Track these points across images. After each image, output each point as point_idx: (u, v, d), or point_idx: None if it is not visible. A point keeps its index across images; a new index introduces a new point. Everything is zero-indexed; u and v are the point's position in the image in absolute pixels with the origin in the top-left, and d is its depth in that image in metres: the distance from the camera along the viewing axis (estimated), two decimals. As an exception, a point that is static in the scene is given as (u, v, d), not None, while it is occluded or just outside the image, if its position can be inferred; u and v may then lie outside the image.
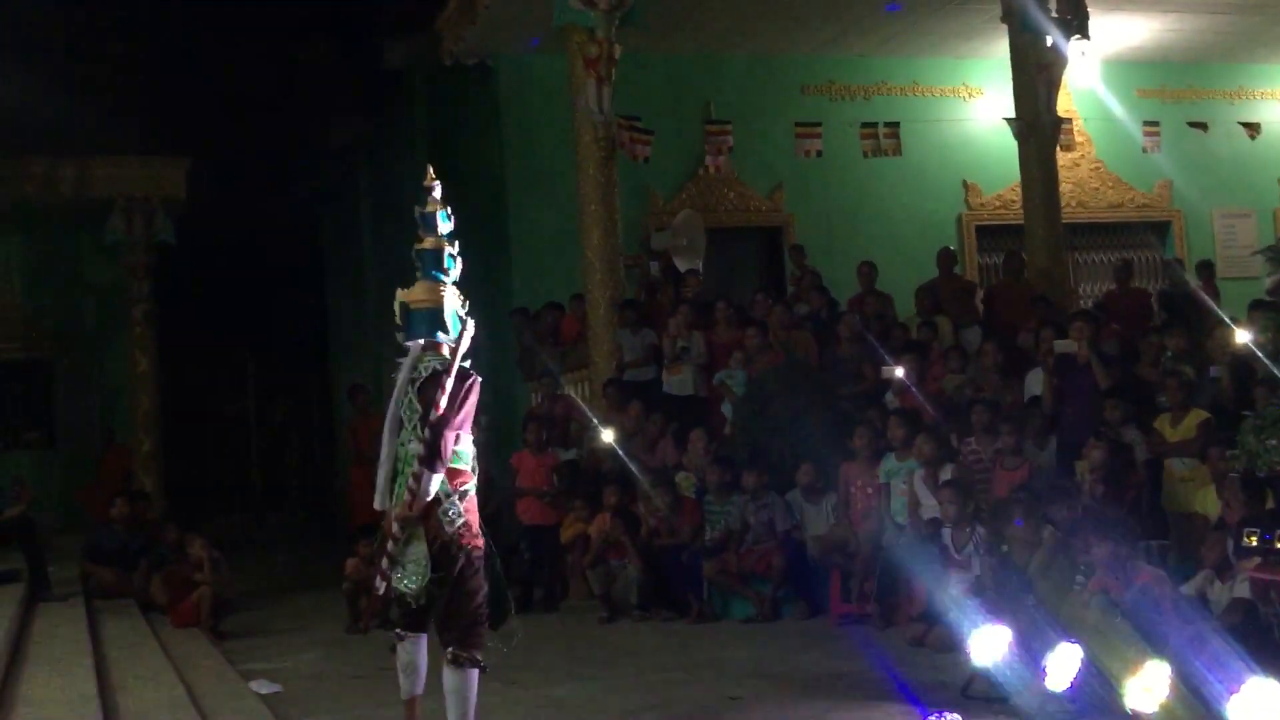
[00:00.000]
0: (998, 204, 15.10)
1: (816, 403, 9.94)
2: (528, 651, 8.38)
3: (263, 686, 7.42)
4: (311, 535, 19.27)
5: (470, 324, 5.28)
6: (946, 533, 7.99)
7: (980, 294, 12.95)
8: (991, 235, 15.14)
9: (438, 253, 5.36)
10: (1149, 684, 5.29)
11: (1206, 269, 12.95)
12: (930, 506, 8.47)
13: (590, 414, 10.83)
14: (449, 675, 5.14)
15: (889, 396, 9.95)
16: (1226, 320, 9.26)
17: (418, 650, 5.29)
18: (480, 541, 5.21)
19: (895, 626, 8.29)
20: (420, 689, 5.32)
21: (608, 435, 10.06)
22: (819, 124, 13.41)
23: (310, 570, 13.47)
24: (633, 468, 9.76)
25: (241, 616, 10.41)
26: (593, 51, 11.11)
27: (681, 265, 12.54)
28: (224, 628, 9.72)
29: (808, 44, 14.25)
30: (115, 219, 16.41)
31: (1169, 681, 5.29)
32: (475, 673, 5.15)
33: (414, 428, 5.10)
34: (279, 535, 20.30)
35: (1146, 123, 14.16)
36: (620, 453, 9.97)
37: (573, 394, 11.56)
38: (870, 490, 9.08)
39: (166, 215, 16.59)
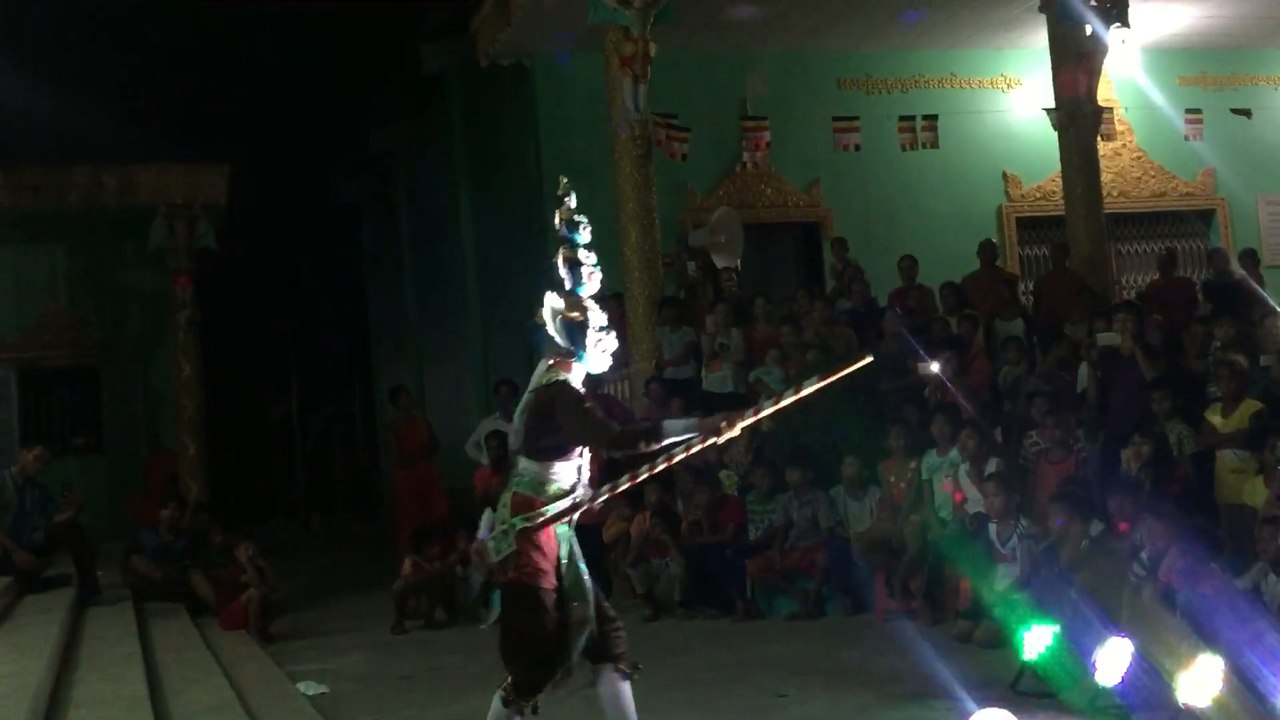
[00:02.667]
0: (1038, 195, 14.99)
1: (858, 398, 9.89)
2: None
3: (310, 688, 7.47)
4: (356, 537, 19.38)
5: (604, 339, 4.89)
6: (992, 527, 7.93)
7: (1023, 286, 12.84)
8: (1032, 227, 15.03)
9: (574, 263, 4.95)
10: (1202, 678, 5.23)
11: (1250, 257, 12.77)
12: (976, 501, 8.41)
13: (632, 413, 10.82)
14: (495, 703, 4.83)
15: (927, 392, 9.90)
16: (1277, 309, 9.12)
17: (610, 685, 4.84)
18: (539, 580, 4.73)
19: (941, 623, 8.24)
20: None
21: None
22: (856, 118, 13.35)
23: (356, 572, 13.55)
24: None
25: (288, 619, 10.47)
26: (628, 50, 11.10)
27: (719, 262, 12.51)
28: (272, 630, 9.79)
29: (843, 38, 14.18)
30: (158, 226, 16.61)
31: (1222, 675, 5.22)
32: (512, 713, 4.77)
33: (519, 448, 4.85)
34: (324, 537, 20.43)
35: (1188, 110, 14.00)
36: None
37: (614, 393, 11.55)
38: (904, 485, 9.04)
39: (208, 221, 16.76)
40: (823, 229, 14.47)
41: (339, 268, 23.67)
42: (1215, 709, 5.22)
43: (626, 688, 4.84)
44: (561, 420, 4.68)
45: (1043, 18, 12.18)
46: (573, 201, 5.08)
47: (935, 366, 9.53)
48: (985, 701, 5.67)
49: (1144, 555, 6.95)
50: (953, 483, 8.68)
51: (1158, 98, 14.45)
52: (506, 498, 4.81)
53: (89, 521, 11.29)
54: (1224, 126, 14.30)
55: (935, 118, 13.40)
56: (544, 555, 4.77)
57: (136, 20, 18.15)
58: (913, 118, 13.46)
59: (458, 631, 9.55)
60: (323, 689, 7.48)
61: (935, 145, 13.41)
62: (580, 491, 4.84)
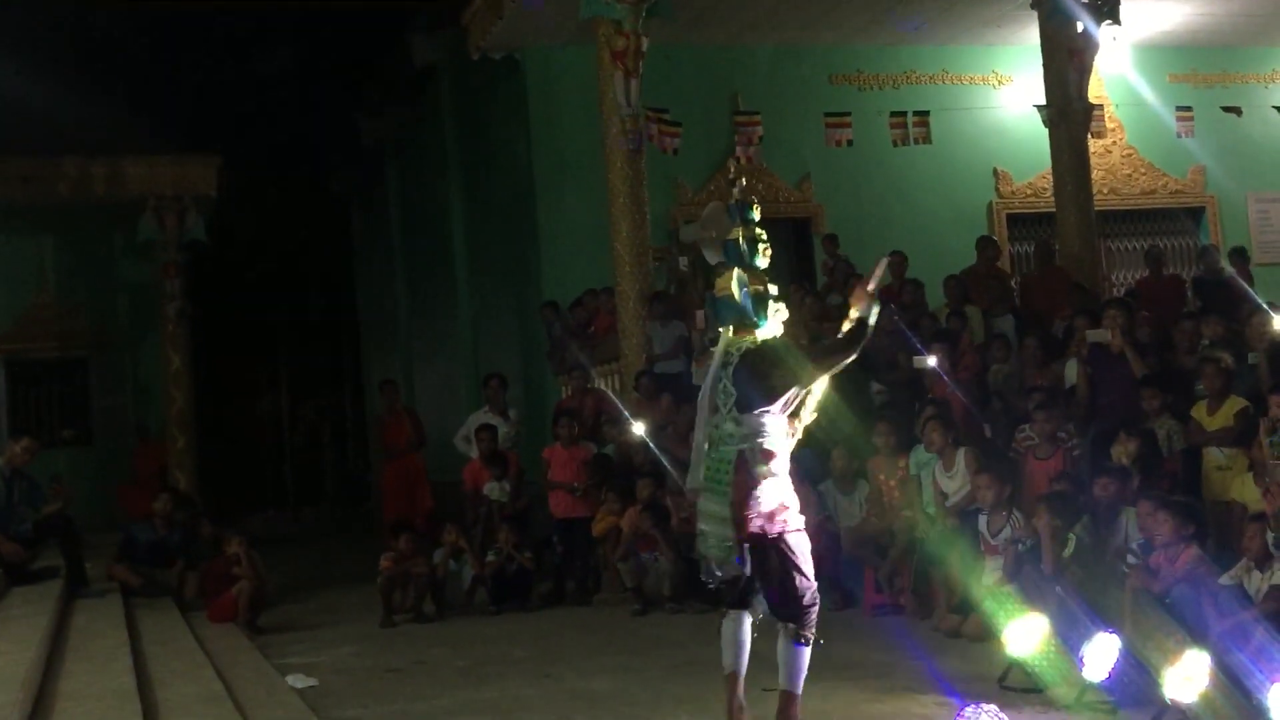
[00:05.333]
0: (1029, 192, 15.02)
1: (848, 393, 9.87)
2: (562, 644, 8.43)
3: (299, 681, 7.46)
4: (345, 529, 19.37)
5: (781, 307, 5.44)
6: (983, 519, 7.95)
7: (1015, 282, 12.87)
8: (1022, 224, 15.06)
9: (752, 241, 5.49)
10: (1189, 674, 5.25)
11: (1239, 255, 12.82)
12: (953, 494, 8.44)
13: (621, 407, 10.83)
14: (783, 645, 5.26)
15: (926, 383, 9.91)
16: (1264, 306, 9.14)
17: (740, 627, 5.32)
18: (790, 523, 5.23)
19: (930, 618, 8.26)
20: (743, 667, 5.31)
21: (639, 428, 10.06)
22: (848, 114, 13.35)
23: (344, 565, 13.54)
24: (664, 460, 9.75)
25: (277, 611, 10.47)
26: (620, 44, 11.08)
27: (710, 257, 12.48)
28: (260, 623, 9.78)
29: (835, 33, 14.18)
30: (147, 218, 16.56)
31: (1209, 671, 5.25)
32: (808, 649, 5.24)
33: (729, 410, 5.22)
34: (313, 530, 20.42)
35: (1179, 108, 14.03)
36: (652, 445, 9.96)
37: (604, 387, 11.56)
38: (893, 484, 9.05)
39: (198, 213, 16.72)
40: (814, 224, 14.47)
41: (328, 259, 23.62)
42: (1202, 705, 5.24)
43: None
44: (812, 358, 5.28)
45: (1034, 14, 12.18)
46: (743, 182, 5.64)
47: (931, 360, 9.54)
48: (973, 696, 5.69)
49: (1134, 545, 7.00)
50: (934, 477, 8.70)
51: (1148, 95, 14.48)
52: (750, 451, 5.14)
53: (77, 514, 11.26)
54: (1214, 124, 14.34)
55: (927, 114, 13.41)
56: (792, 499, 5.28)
57: (125, 10, 18.07)
58: (904, 113, 13.46)
59: (446, 625, 9.56)
60: (311, 682, 7.48)
61: (927, 141, 13.43)
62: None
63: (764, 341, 5.32)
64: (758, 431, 5.19)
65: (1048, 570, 7.02)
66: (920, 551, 8.44)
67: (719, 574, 5.22)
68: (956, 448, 8.53)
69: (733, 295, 5.34)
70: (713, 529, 5.20)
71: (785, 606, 5.23)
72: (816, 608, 5.28)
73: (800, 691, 5.26)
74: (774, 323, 5.40)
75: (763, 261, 5.48)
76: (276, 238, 22.53)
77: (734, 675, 5.30)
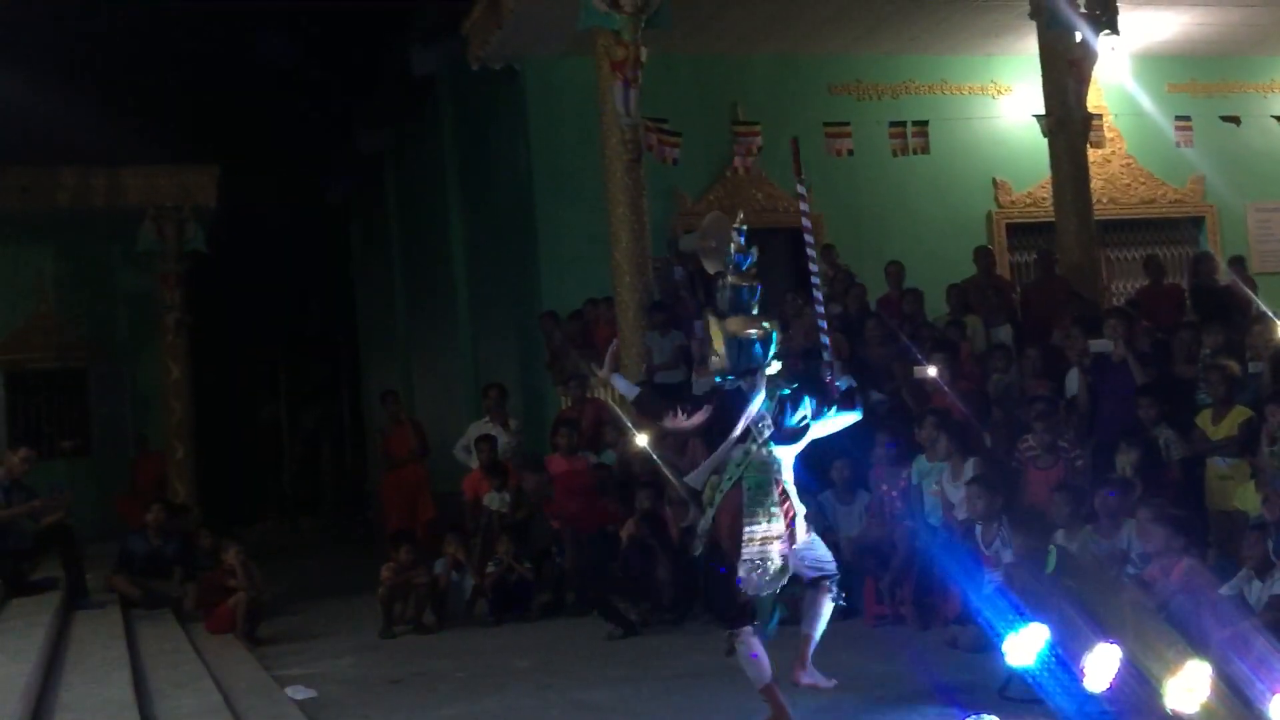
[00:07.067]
0: (1028, 202, 15.01)
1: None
2: (560, 655, 8.41)
3: (298, 692, 7.45)
4: (345, 539, 19.35)
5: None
6: (978, 529, 7.94)
7: (1017, 292, 12.87)
8: (1022, 233, 15.05)
9: (752, 289, 6.20)
10: (1190, 684, 5.24)
11: (1238, 264, 12.81)
12: (960, 503, 8.42)
13: (622, 417, 10.82)
14: (819, 598, 6.03)
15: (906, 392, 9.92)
16: (1269, 314, 9.13)
17: (754, 641, 5.77)
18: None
19: (931, 628, 8.24)
20: (771, 673, 5.77)
21: (641, 439, 10.03)
22: (848, 124, 13.35)
23: (344, 575, 13.53)
24: (665, 470, 9.72)
25: (276, 622, 10.45)
26: (619, 54, 11.08)
27: (710, 267, 12.46)
28: (259, 633, 9.76)
29: (834, 43, 14.20)
30: (147, 228, 16.56)
31: (1210, 681, 5.23)
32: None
33: (765, 440, 5.78)
34: (312, 540, 20.39)
35: (1178, 117, 14.04)
36: (653, 455, 9.93)
37: (605, 397, 11.54)
38: (895, 494, 9.03)
39: (198, 223, 16.72)
40: (813, 234, 14.43)
41: (328, 269, 23.64)
42: (1203, 715, 5.23)
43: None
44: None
45: (1033, 24, 12.20)
46: (743, 236, 6.35)
47: (932, 370, 9.53)
48: (974, 707, 5.67)
49: (1134, 555, 6.99)
50: (940, 487, 8.69)
51: (1147, 105, 14.49)
52: (784, 482, 5.80)
53: (76, 524, 11.25)
54: (1213, 134, 14.35)
55: (926, 123, 13.42)
56: None
57: (124, 20, 18.08)
58: (903, 123, 13.46)
59: (447, 635, 9.55)
60: (311, 693, 7.47)
61: (926, 151, 13.42)
62: None
63: (794, 392, 5.90)
64: (785, 465, 5.79)
65: (1016, 590, 7.00)
66: (921, 562, 8.42)
67: (769, 588, 5.72)
68: (965, 457, 8.51)
69: (746, 337, 5.86)
70: (773, 549, 5.71)
71: (825, 570, 6.01)
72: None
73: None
74: (773, 364, 5.93)
75: (759, 307, 6.06)
76: (276, 248, 22.53)
77: (771, 685, 5.77)
